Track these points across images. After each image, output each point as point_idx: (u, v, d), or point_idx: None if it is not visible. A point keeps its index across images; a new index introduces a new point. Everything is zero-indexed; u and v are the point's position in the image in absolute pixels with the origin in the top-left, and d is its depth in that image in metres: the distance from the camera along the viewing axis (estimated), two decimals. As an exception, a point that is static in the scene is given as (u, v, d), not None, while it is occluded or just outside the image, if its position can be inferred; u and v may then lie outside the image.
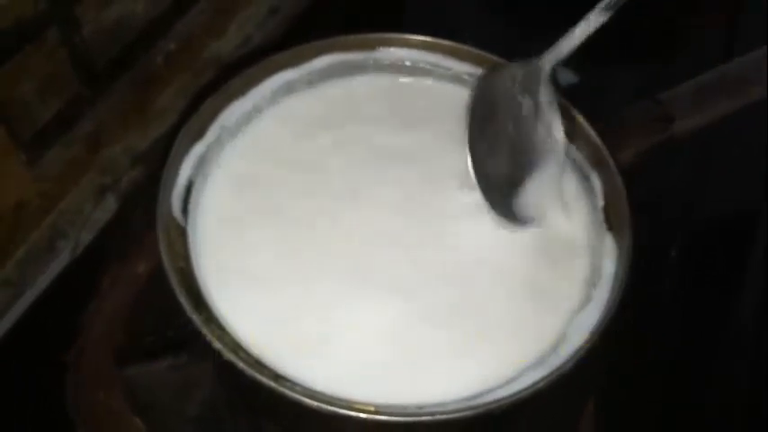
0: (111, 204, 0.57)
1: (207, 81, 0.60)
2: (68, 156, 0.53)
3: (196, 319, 0.36)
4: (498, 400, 0.35)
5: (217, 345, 0.35)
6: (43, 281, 0.53)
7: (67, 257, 0.54)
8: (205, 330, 0.35)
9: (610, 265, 0.41)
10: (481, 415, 0.35)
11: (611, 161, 0.43)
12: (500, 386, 0.37)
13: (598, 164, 0.44)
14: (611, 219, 0.43)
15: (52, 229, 0.53)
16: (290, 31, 0.67)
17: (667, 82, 0.50)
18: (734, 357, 0.53)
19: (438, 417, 0.35)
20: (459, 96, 0.45)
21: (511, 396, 0.36)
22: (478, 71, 0.47)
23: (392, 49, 0.49)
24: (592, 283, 0.41)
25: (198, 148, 0.43)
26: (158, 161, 0.43)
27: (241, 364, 0.34)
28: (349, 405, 0.34)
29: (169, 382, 0.45)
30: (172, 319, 0.42)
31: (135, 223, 0.51)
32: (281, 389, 0.34)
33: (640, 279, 0.41)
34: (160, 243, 0.38)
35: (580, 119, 0.45)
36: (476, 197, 0.41)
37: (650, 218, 0.49)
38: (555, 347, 0.39)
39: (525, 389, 0.36)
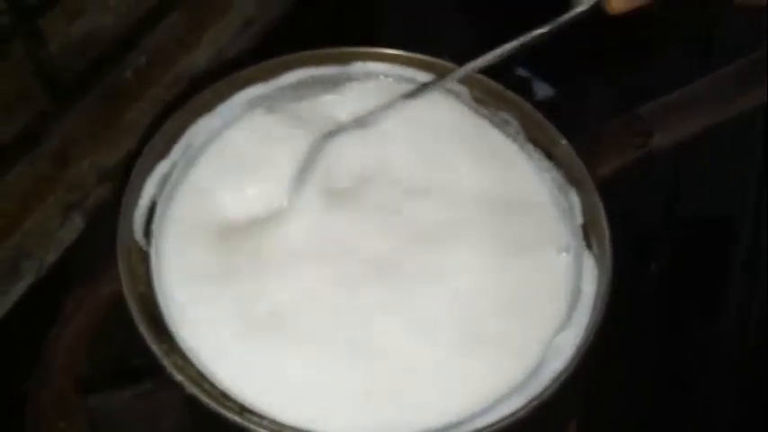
0: (77, 223, 0.55)
1: (177, 96, 0.59)
2: (34, 173, 0.51)
3: (156, 349, 0.34)
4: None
5: (178, 377, 0.33)
6: (6, 303, 0.51)
7: (32, 278, 0.52)
8: (166, 362, 0.34)
9: (589, 286, 0.39)
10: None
11: (589, 178, 0.42)
12: (478, 415, 0.35)
13: (576, 181, 0.43)
14: (590, 237, 0.41)
15: (16, 249, 0.51)
16: (266, 44, 0.66)
17: (645, 95, 0.49)
18: (719, 374, 0.52)
19: (415, 451, 0.33)
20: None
21: (489, 427, 0.34)
22: (455, 86, 0.47)
23: (366, 63, 0.48)
24: (572, 303, 0.40)
25: (162, 167, 0.42)
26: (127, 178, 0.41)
27: (204, 398, 0.33)
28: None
29: (134, 412, 0.43)
30: (137, 345, 0.40)
31: (100, 243, 0.49)
32: (247, 423, 0.32)
33: (620, 294, 0.40)
34: (120, 268, 0.36)
35: (557, 135, 0.44)
36: None
37: (629, 232, 0.49)
38: (534, 372, 0.37)
39: (504, 418, 0.34)
